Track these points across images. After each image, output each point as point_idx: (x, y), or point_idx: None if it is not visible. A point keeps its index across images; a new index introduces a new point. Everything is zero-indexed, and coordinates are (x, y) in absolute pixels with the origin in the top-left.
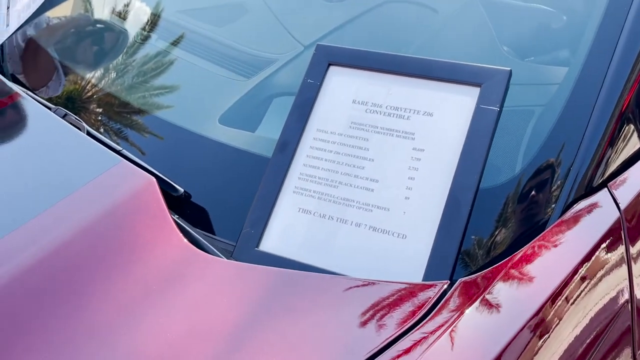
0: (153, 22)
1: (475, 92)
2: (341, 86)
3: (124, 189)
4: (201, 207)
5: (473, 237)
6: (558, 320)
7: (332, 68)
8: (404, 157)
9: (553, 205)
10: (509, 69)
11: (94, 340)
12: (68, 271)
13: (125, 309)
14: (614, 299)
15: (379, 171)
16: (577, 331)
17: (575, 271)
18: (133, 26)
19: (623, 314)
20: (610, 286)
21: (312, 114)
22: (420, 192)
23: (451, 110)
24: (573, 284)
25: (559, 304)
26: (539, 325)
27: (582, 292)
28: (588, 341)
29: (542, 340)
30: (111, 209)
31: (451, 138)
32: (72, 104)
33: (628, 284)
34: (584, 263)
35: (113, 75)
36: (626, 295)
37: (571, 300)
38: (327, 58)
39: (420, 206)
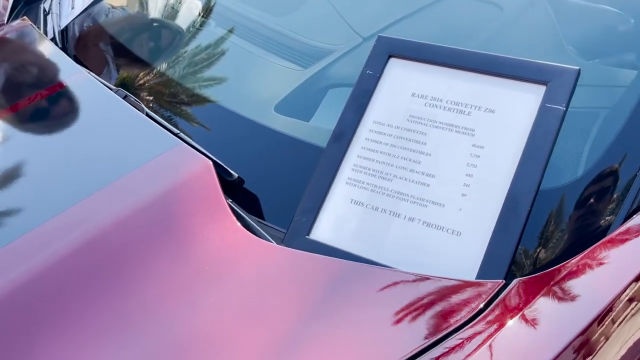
0: (212, 10)
1: (540, 90)
2: (401, 79)
3: (182, 171)
4: (254, 194)
5: (530, 238)
6: (616, 328)
7: (392, 60)
8: (463, 153)
9: (614, 213)
10: (577, 67)
11: (146, 318)
12: (122, 249)
13: (178, 289)
14: None
15: (435, 166)
16: (631, 343)
17: (636, 279)
18: (192, 13)
19: None
20: None
21: (370, 106)
22: (477, 189)
23: (514, 107)
24: (633, 293)
25: (616, 313)
26: (594, 334)
27: (633, 309)
28: None
29: (596, 349)
30: (168, 190)
31: (513, 136)
32: (132, 88)
33: None
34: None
35: (171, 61)
36: None
37: (630, 310)
38: (388, 50)
39: (477, 204)
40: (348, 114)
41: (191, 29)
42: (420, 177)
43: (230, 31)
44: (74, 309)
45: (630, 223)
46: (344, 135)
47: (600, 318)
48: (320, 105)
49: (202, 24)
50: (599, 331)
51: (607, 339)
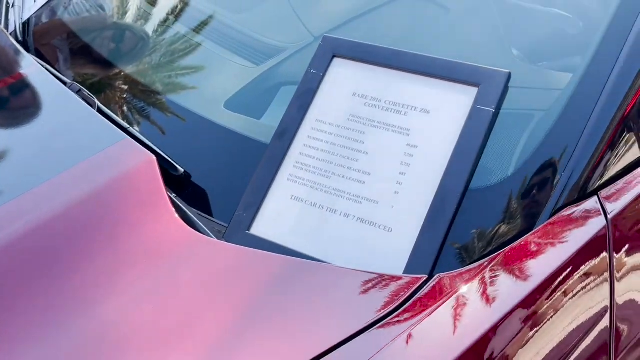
0: (170, 5)
1: (472, 92)
2: (343, 78)
3: (124, 165)
4: (200, 188)
5: (458, 235)
6: (531, 323)
7: (336, 60)
8: (398, 152)
9: (541, 209)
10: (508, 71)
11: (76, 306)
12: (59, 242)
13: (113, 283)
14: (594, 308)
15: (371, 164)
16: (553, 338)
17: (554, 275)
18: (151, 8)
19: (602, 323)
20: (591, 294)
21: (313, 104)
22: (409, 187)
23: (448, 108)
24: (550, 290)
25: (533, 308)
26: (509, 329)
27: (558, 298)
28: (563, 347)
29: (508, 342)
30: (108, 183)
31: (445, 136)
32: (87, 83)
33: (609, 294)
34: (565, 269)
35: (127, 57)
36: (606, 303)
37: (546, 306)
38: (332, 50)
39: (409, 201)
40: (292, 112)
41: (148, 25)
42: (357, 175)
43: (186, 27)
44: (7, 299)
45: (553, 221)
46: (287, 132)
47: (516, 312)
48: (272, 103)
49: (161, 20)
50: (513, 325)
51: (519, 333)
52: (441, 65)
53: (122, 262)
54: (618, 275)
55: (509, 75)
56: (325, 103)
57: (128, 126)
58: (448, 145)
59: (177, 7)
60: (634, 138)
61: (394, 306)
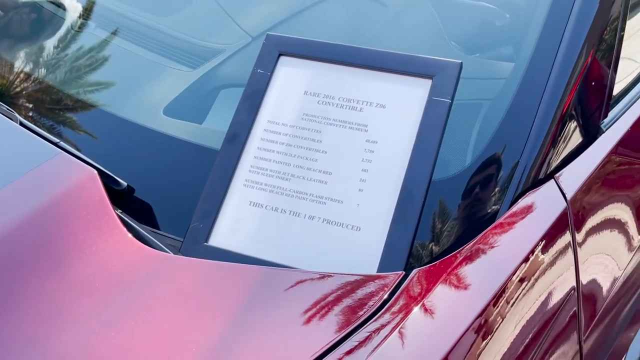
0: (93, 11)
1: (427, 84)
2: (292, 77)
3: (63, 182)
4: (146, 202)
5: (426, 228)
6: (510, 308)
7: (282, 58)
8: (357, 149)
9: (503, 197)
10: (459, 61)
11: (27, 343)
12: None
13: (64, 309)
14: (562, 287)
15: (332, 163)
16: (528, 317)
17: (525, 260)
18: (72, 15)
19: (570, 301)
20: (558, 274)
21: (263, 105)
22: (373, 184)
23: (404, 102)
24: (523, 273)
25: (509, 293)
26: (491, 314)
27: (532, 280)
28: (538, 327)
29: (494, 328)
30: (49, 203)
31: (404, 130)
32: (5, 97)
33: (574, 272)
34: (534, 252)
35: (51, 67)
36: (572, 283)
37: (522, 289)
38: (277, 48)
39: (374, 198)
40: (241, 115)
41: (71, 30)
42: (318, 175)
43: (113, 33)
44: None
45: (516, 207)
46: (238, 136)
47: (495, 299)
48: (213, 107)
49: (82, 26)
50: (496, 312)
51: (503, 318)
52: (393, 59)
53: (76, 289)
54: (581, 254)
55: (461, 65)
56: (276, 103)
57: (58, 141)
58: (408, 139)
59: (98, 12)
60: (581, 121)
61: (377, 305)
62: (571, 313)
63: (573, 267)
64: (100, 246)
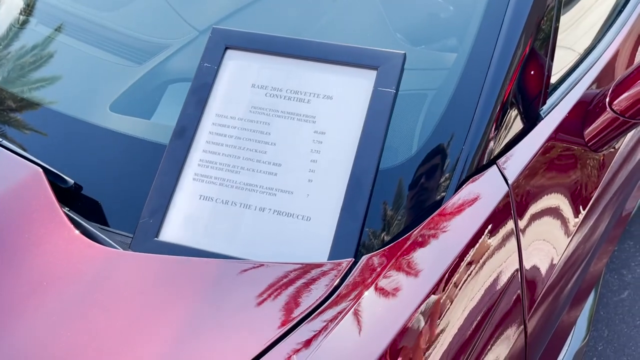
0: (34, 7)
1: (372, 75)
2: (239, 70)
3: (7, 181)
4: (94, 199)
5: (375, 216)
6: (457, 291)
7: (229, 52)
8: (306, 140)
9: (448, 183)
10: (403, 52)
11: None
12: None
13: (12, 307)
14: (506, 269)
15: (281, 155)
16: (474, 299)
17: (471, 243)
18: (11, 11)
19: (514, 282)
20: (502, 256)
21: (211, 99)
22: (322, 174)
23: (350, 92)
24: (468, 257)
25: (455, 277)
26: (439, 297)
27: (477, 263)
28: (484, 308)
29: (442, 310)
30: None
31: (351, 120)
32: None
33: (517, 254)
34: (479, 235)
35: None
36: (516, 265)
37: (468, 272)
38: (223, 41)
39: (323, 188)
40: (189, 109)
41: (13, 28)
42: (267, 167)
43: (56, 29)
44: None
45: (460, 193)
46: (186, 130)
47: (443, 282)
48: (161, 102)
49: (24, 23)
50: (444, 294)
51: (451, 301)
52: (339, 51)
53: (23, 289)
54: (523, 237)
55: (405, 56)
56: (224, 97)
57: (1, 140)
58: (355, 129)
59: (39, 8)
60: (521, 108)
61: (328, 292)
62: (515, 295)
63: (516, 250)
64: (48, 244)
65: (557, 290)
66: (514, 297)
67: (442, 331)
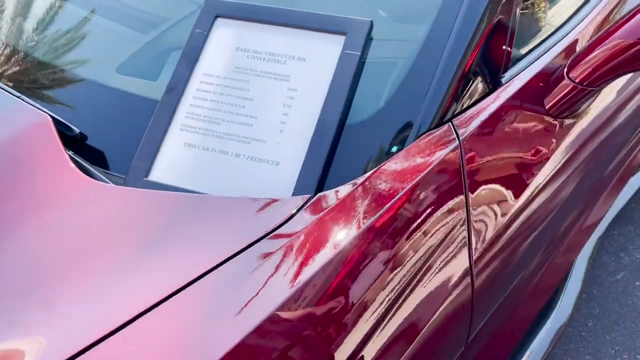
0: None
1: (341, 40)
2: (226, 36)
3: (18, 124)
4: (96, 148)
5: (337, 164)
6: (398, 237)
7: (219, 20)
8: (280, 96)
9: (405, 137)
10: (369, 19)
11: None
12: None
13: (15, 235)
14: (453, 210)
15: (257, 109)
16: (416, 247)
17: (413, 190)
18: None
19: (459, 233)
20: (449, 206)
21: (200, 61)
22: (292, 126)
23: (321, 55)
24: (412, 204)
25: (398, 222)
26: (380, 236)
27: (420, 211)
28: (428, 251)
29: (382, 251)
30: (4, 143)
31: (320, 79)
32: None
33: (464, 204)
34: (425, 183)
35: (13, 29)
36: (463, 215)
37: (409, 219)
38: (214, 10)
39: (292, 138)
40: (180, 69)
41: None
42: (245, 119)
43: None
44: None
45: (412, 145)
46: (176, 87)
47: (384, 224)
48: (164, 68)
49: None
50: (386, 236)
51: (393, 244)
52: (312, 18)
53: (23, 212)
54: (471, 189)
55: (371, 23)
56: (211, 59)
57: (14, 92)
58: (323, 87)
59: None
60: (482, 73)
61: (285, 218)
62: (462, 243)
63: (463, 201)
64: (50, 179)
65: (504, 247)
66: (461, 246)
67: (380, 273)
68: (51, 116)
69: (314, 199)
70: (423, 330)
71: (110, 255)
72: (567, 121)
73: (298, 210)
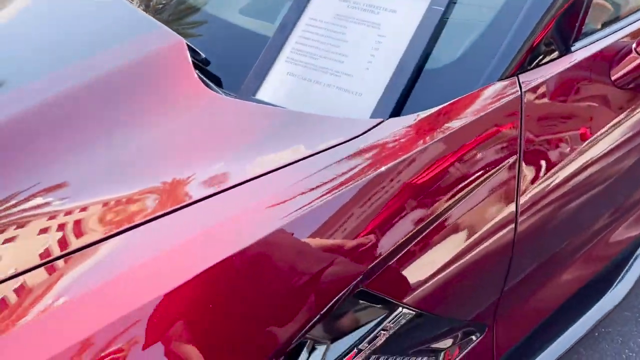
0: None
1: None
2: None
3: (160, 43)
4: (215, 72)
5: (409, 101)
6: (451, 164)
7: None
8: (370, 41)
9: (473, 86)
10: None
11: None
12: (104, 98)
13: (139, 118)
14: (507, 155)
15: (350, 49)
16: (467, 176)
17: (472, 126)
18: None
19: (510, 168)
20: (505, 144)
21: (307, 8)
22: (377, 65)
23: (409, 8)
24: (469, 137)
25: (452, 150)
26: (431, 164)
27: (477, 144)
28: (478, 186)
29: (432, 178)
30: (145, 55)
31: (406, 29)
32: None
33: (518, 146)
34: (485, 124)
35: None
36: (516, 154)
37: (466, 150)
38: None
39: (375, 75)
40: (291, 13)
41: None
42: (338, 57)
43: None
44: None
45: (478, 91)
46: (287, 26)
47: (453, 154)
48: (279, 13)
49: None
50: (441, 169)
51: (446, 178)
52: None
53: (150, 107)
54: (526, 139)
55: None
56: (317, 6)
57: (158, 21)
58: (408, 35)
59: None
60: (552, 40)
61: (357, 134)
62: (510, 187)
63: (518, 144)
64: (178, 88)
65: (553, 203)
66: (508, 189)
67: (428, 199)
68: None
69: (384, 122)
70: (463, 260)
71: (223, 149)
72: (632, 93)
73: (369, 130)
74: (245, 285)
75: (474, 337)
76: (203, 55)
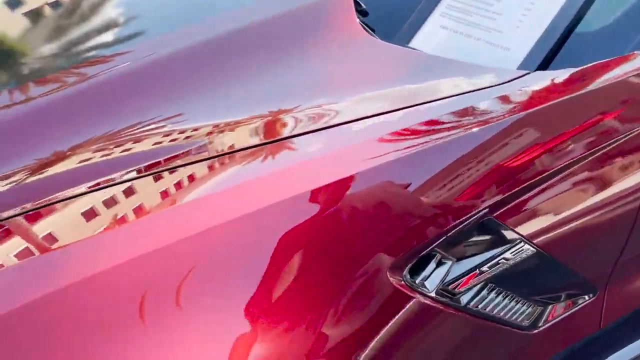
0: None
1: None
2: None
3: None
4: (373, 26)
5: (555, 60)
6: (584, 119)
7: None
8: (523, 2)
9: (613, 52)
10: None
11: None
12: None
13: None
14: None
15: (503, 8)
16: (601, 139)
17: (605, 91)
18: None
19: None
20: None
21: None
22: (527, 24)
23: None
24: (603, 101)
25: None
26: (565, 118)
27: (625, 102)
28: (609, 152)
29: (564, 133)
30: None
31: None
32: None
33: None
34: (616, 88)
35: None
36: None
37: (614, 107)
38: None
39: (525, 33)
40: None
41: None
42: (491, 14)
43: None
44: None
45: (624, 57)
46: None
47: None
48: None
49: None
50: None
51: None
52: None
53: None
54: None
55: None
56: None
57: None
58: (560, 1)
59: None
60: None
61: (501, 82)
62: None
63: None
64: (341, 30)
65: None
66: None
67: (559, 158)
68: None
69: (530, 74)
70: (590, 215)
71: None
72: None
73: (514, 79)
74: (386, 187)
75: (584, 298)
76: (364, 6)
